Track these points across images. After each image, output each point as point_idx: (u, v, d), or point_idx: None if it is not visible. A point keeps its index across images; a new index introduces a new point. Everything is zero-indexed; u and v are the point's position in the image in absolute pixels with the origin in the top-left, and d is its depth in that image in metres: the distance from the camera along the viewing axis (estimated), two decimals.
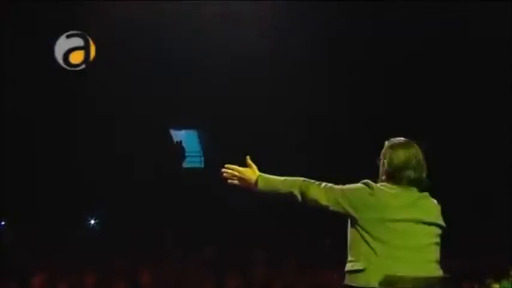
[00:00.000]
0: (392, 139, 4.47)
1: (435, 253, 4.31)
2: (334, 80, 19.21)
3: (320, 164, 16.97)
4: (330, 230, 7.86)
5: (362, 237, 4.23)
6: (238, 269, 14.34)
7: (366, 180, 4.34)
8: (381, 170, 4.44)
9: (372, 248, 4.19)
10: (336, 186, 4.34)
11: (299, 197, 4.36)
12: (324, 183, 4.37)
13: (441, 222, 4.37)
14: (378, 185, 4.34)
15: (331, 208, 4.31)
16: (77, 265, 13.58)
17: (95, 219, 19.49)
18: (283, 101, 18.82)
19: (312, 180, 4.39)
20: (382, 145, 4.51)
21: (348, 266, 4.29)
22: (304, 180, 4.38)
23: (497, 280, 13.26)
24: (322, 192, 4.32)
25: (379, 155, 4.48)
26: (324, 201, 4.31)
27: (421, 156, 4.38)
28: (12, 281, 12.62)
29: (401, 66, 18.78)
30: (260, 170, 4.51)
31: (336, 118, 19.53)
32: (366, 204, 4.24)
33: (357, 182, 4.38)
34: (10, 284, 12.57)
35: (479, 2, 16.96)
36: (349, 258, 4.30)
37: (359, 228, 4.25)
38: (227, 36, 17.95)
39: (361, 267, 4.19)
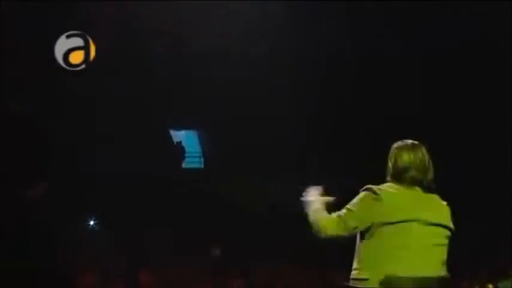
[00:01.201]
0: (399, 141, 4.49)
1: (441, 254, 4.30)
2: (334, 80, 19.21)
3: (319, 164, 16.97)
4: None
5: (368, 244, 4.26)
6: (239, 269, 14.35)
7: (368, 186, 4.34)
8: (387, 170, 4.46)
9: (377, 255, 4.20)
10: (343, 212, 4.32)
11: (320, 234, 4.34)
12: (334, 215, 4.33)
13: (450, 224, 4.37)
14: (383, 185, 4.35)
15: (350, 234, 4.31)
16: (77, 265, 13.57)
17: (94, 220, 19.47)
18: (283, 101, 18.80)
19: (329, 216, 4.35)
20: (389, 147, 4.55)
21: (353, 274, 4.30)
22: (326, 219, 4.34)
23: (497, 280, 13.28)
24: (336, 227, 4.29)
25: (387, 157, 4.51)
26: (342, 233, 4.30)
27: (426, 158, 4.40)
28: None
29: (402, 66, 18.78)
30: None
31: (336, 118, 19.51)
32: (372, 212, 4.24)
33: (362, 184, 4.39)
34: None
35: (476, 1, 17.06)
36: (354, 266, 4.31)
37: (367, 236, 4.27)
38: (227, 36, 17.94)
39: (365, 277, 4.22)
